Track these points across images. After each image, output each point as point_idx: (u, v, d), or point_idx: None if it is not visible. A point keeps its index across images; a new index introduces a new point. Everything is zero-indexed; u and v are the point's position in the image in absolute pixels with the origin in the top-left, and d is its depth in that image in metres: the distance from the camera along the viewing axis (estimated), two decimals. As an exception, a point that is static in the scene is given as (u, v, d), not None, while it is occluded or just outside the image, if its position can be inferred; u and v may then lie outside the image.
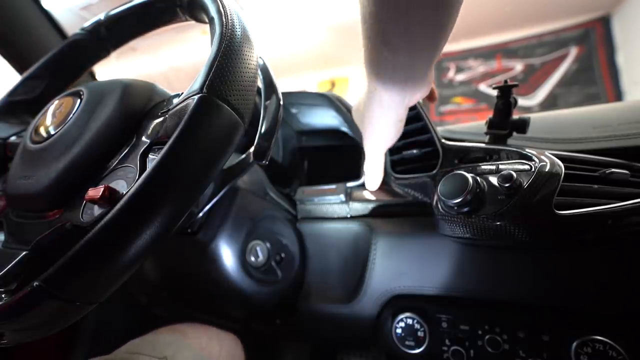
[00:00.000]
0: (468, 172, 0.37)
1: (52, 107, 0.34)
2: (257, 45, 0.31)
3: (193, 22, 0.39)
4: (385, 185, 0.53)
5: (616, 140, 0.44)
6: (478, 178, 0.37)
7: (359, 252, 0.52)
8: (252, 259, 0.50)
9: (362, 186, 0.56)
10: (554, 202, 0.34)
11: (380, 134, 0.42)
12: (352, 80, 3.23)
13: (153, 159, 0.28)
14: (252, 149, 0.39)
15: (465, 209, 0.36)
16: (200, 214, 0.43)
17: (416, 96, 0.37)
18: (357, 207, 0.55)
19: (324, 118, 0.64)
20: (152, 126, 0.30)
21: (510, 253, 0.42)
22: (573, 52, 2.60)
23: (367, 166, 0.49)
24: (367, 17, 0.30)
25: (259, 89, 0.41)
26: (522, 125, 0.43)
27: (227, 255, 0.48)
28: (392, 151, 0.53)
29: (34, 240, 0.28)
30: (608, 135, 0.46)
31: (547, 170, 0.35)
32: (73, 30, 0.45)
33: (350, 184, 0.56)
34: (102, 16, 0.43)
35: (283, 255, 0.54)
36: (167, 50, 2.95)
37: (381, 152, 0.46)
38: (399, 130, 0.42)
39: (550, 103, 2.60)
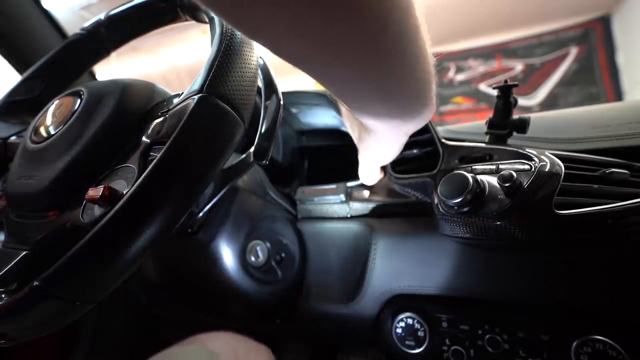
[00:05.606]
0: (468, 172, 0.37)
1: (52, 107, 0.34)
2: (257, 46, 0.31)
3: (193, 22, 0.39)
4: (385, 185, 0.53)
5: (616, 140, 0.44)
6: (478, 178, 0.36)
7: (359, 252, 0.52)
8: (252, 258, 0.50)
9: (362, 186, 0.56)
10: (554, 202, 0.34)
11: (380, 161, 0.43)
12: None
13: (153, 159, 0.28)
14: (252, 149, 0.39)
15: (466, 209, 0.36)
16: (200, 214, 0.43)
17: (421, 122, 0.33)
18: (357, 207, 0.55)
19: (324, 118, 0.64)
20: (152, 126, 0.30)
21: (511, 253, 0.42)
22: (573, 52, 2.60)
23: (362, 174, 0.49)
24: (332, 93, 0.29)
25: (259, 89, 0.41)
26: (522, 125, 0.43)
27: (227, 255, 0.48)
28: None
29: (34, 240, 0.28)
30: (608, 135, 0.45)
31: (547, 170, 0.35)
32: (73, 30, 0.45)
33: (350, 184, 0.56)
34: (102, 16, 0.43)
35: (283, 255, 0.54)
36: (167, 50, 2.95)
37: (377, 168, 0.46)
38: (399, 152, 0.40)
39: (550, 103, 2.61)
